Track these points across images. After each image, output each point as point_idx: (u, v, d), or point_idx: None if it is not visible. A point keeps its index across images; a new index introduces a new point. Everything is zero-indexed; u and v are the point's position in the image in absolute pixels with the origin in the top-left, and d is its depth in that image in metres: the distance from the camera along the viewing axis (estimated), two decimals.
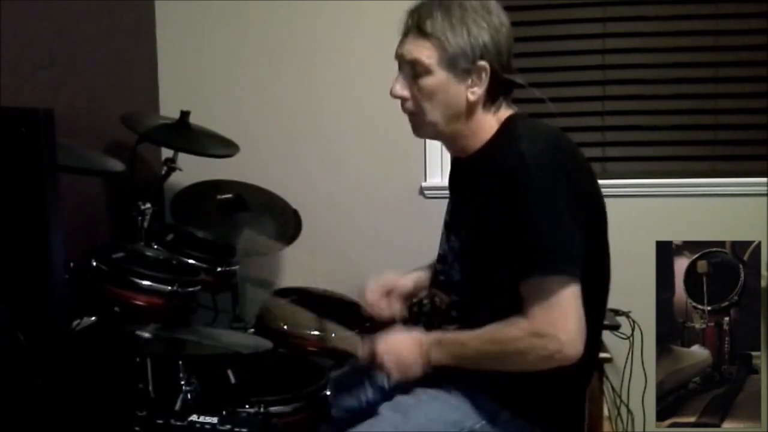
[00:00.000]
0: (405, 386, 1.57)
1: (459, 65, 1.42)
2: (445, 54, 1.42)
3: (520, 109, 1.53)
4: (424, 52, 1.43)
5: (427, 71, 1.43)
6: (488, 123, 1.48)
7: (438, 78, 1.43)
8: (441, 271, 1.59)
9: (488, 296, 1.43)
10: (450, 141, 1.54)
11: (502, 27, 1.43)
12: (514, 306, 1.36)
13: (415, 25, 1.44)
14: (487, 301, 1.43)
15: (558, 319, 1.31)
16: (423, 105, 1.47)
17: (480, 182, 1.46)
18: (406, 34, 1.47)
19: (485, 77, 1.43)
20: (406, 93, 1.48)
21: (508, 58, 1.45)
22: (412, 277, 1.72)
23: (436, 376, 1.49)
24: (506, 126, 1.47)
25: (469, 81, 1.44)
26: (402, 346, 1.46)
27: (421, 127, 1.52)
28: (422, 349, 1.44)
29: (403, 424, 1.45)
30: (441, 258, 1.60)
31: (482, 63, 1.42)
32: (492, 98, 1.47)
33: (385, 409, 1.52)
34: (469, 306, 1.50)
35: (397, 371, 1.46)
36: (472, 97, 1.44)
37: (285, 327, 1.89)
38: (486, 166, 1.46)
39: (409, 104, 1.49)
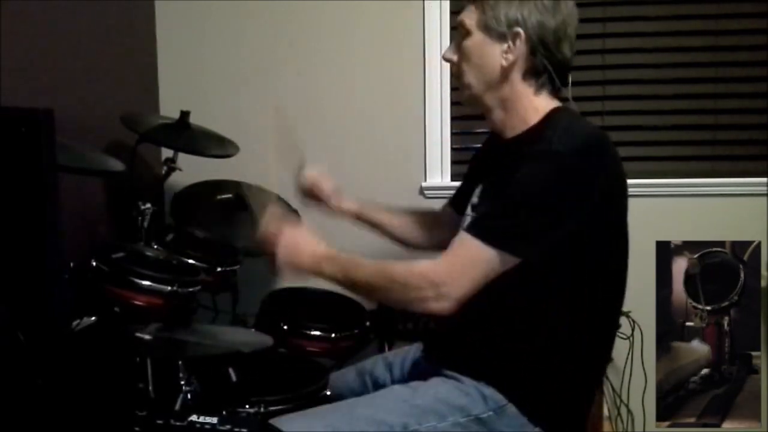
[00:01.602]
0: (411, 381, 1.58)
1: (494, 28, 1.45)
2: (483, 16, 1.46)
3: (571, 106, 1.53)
4: (470, 15, 1.49)
5: (468, 33, 1.48)
6: (532, 106, 1.48)
7: (475, 39, 1.47)
8: None
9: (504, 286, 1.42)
10: (489, 112, 1.53)
11: (558, 14, 1.43)
12: (510, 292, 1.39)
13: None
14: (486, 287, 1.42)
15: (453, 274, 1.36)
16: (462, 67, 1.51)
17: (505, 166, 1.45)
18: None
19: (520, 45, 1.44)
20: (452, 56, 1.53)
21: (557, 43, 1.44)
22: (357, 200, 1.85)
23: (445, 367, 1.50)
24: (551, 116, 1.47)
25: (505, 46, 1.45)
26: (301, 240, 1.51)
27: (462, 91, 1.55)
28: (315, 255, 1.49)
29: (412, 398, 1.46)
30: None
31: (517, 29, 1.43)
32: (533, 75, 1.47)
33: (397, 385, 1.54)
34: (488, 298, 1.48)
35: (285, 262, 1.50)
36: (505, 63, 1.45)
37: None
38: (519, 151, 1.45)
39: (454, 67, 1.54)
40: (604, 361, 1.61)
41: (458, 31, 1.52)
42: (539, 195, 1.35)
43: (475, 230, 1.37)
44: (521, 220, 1.35)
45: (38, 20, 2.00)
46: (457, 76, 1.55)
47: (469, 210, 1.58)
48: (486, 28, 1.45)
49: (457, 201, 1.76)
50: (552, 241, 1.36)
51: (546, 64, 1.45)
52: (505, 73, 1.46)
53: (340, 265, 1.47)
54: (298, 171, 1.81)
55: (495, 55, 1.46)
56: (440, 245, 1.75)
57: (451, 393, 1.47)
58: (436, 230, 1.82)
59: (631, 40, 2.63)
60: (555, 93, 1.50)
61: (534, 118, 1.47)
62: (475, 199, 1.57)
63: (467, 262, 1.36)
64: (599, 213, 1.40)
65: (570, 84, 1.50)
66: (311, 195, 1.86)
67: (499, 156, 1.54)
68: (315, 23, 2.65)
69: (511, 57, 1.45)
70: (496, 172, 1.52)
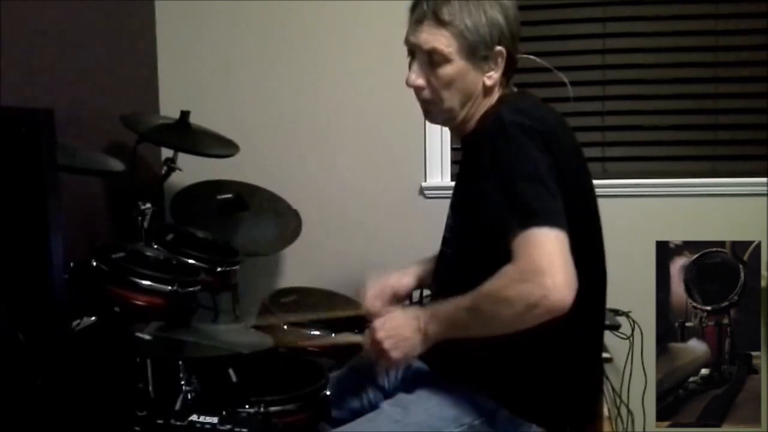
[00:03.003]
0: (406, 386, 1.57)
1: (479, 53, 1.42)
2: (465, 42, 1.41)
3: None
4: (443, 41, 1.42)
5: (446, 60, 1.43)
6: (488, 102, 1.49)
7: (457, 66, 1.43)
8: (442, 253, 1.60)
9: (477, 272, 1.37)
10: (460, 124, 1.53)
11: (512, 8, 1.44)
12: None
13: (431, 12, 1.42)
14: (479, 277, 1.38)
15: (543, 264, 1.24)
16: (441, 93, 1.47)
17: (470, 156, 1.47)
18: (419, 22, 1.44)
19: (501, 62, 1.44)
20: (422, 82, 1.47)
21: (517, 39, 1.46)
22: (412, 272, 1.72)
23: (437, 372, 1.50)
24: (499, 102, 1.48)
25: (486, 67, 1.44)
26: (399, 326, 1.43)
27: (437, 114, 1.52)
28: (419, 323, 1.41)
29: (404, 417, 1.46)
30: (444, 240, 1.60)
31: (499, 48, 1.43)
32: (507, 80, 1.49)
33: (385, 404, 1.52)
34: (462, 283, 1.45)
35: (398, 351, 1.42)
36: (489, 82, 1.46)
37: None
38: (472, 138, 1.47)
39: (426, 93, 1.49)
40: (594, 354, 1.60)
41: (423, 55, 1.45)
42: (529, 162, 1.31)
43: (521, 224, 1.27)
44: (538, 191, 1.29)
45: (38, 20, 2.00)
46: (429, 101, 1.49)
47: (449, 211, 1.58)
48: (470, 55, 1.42)
49: None
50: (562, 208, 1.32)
51: (515, 61, 1.47)
52: (487, 92, 1.47)
53: (442, 320, 1.39)
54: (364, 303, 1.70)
55: (478, 77, 1.46)
56: None
57: (442, 405, 1.47)
58: None
59: (631, 40, 2.63)
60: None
61: (484, 109, 1.49)
62: (452, 198, 1.59)
63: (543, 250, 1.25)
64: (563, 182, 1.35)
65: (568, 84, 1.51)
66: (394, 301, 1.73)
67: (462, 154, 1.56)
68: (315, 23, 2.65)
69: (494, 75, 1.45)
70: (465, 166, 1.53)
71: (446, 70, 1.43)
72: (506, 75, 1.49)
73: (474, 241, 1.45)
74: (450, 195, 1.82)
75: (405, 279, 1.71)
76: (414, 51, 1.47)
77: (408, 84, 1.49)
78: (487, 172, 1.35)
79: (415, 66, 1.47)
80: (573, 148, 1.47)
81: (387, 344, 1.42)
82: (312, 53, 2.67)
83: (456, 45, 1.41)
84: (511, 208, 1.29)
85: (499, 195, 1.32)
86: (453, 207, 1.58)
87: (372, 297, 1.65)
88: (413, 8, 1.47)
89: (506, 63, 1.45)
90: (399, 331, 1.43)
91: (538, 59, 1.51)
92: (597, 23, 2.63)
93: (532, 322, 1.27)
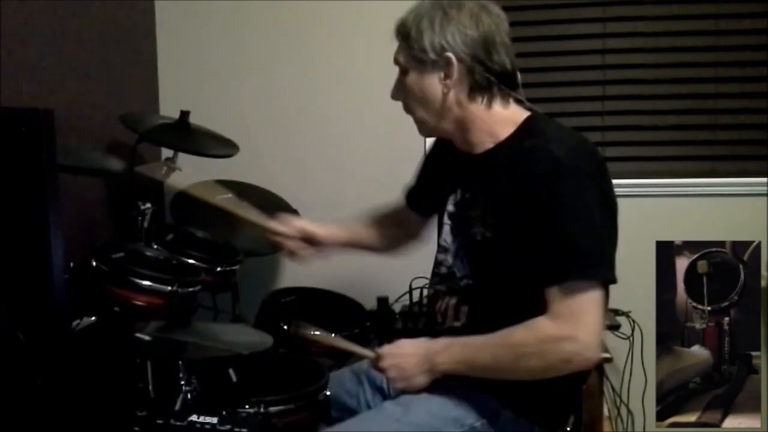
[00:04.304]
0: None
1: (424, 60, 1.45)
2: (411, 51, 1.46)
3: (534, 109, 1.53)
4: (401, 52, 1.49)
5: (404, 71, 1.50)
6: (497, 119, 1.47)
7: (411, 75, 1.48)
8: (441, 261, 1.59)
9: (502, 297, 1.43)
10: (454, 136, 1.53)
11: (481, 26, 1.43)
12: (529, 309, 1.35)
13: (403, 29, 1.49)
14: (501, 303, 1.43)
15: (583, 322, 1.31)
16: (410, 104, 1.53)
17: (500, 181, 1.43)
18: (396, 38, 1.52)
19: (455, 69, 1.43)
20: (397, 95, 1.54)
21: (489, 55, 1.43)
22: (331, 227, 1.79)
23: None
24: (527, 125, 1.46)
25: (441, 74, 1.45)
26: (405, 360, 1.47)
27: (419, 126, 1.56)
28: (428, 365, 1.45)
29: (404, 417, 1.46)
30: (443, 248, 1.59)
31: (448, 55, 1.43)
32: (479, 90, 1.46)
33: (387, 403, 1.53)
34: (479, 305, 1.49)
35: (401, 384, 1.48)
36: (446, 90, 1.46)
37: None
38: (508, 165, 1.43)
39: (404, 105, 1.55)
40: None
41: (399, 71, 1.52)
42: (589, 209, 1.34)
43: (576, 274, 1.32)
44: (597, 243, 1.34)
45: (38, 20, 2.00)
46: (408, 113, 1.55)
47: (446, 219, 1.58)
48: (418, 62, 1.46)
49: (415, 200, 1.81)
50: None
51: (488, 77, 1.45)
52: (450, 99, 1.47)
53: (457, 356, 1.43)
54: (273, 227, 1.75)
55: (434, 85, 1.47)
56: (397, 245, 1.84)
57: (443, 406, 1.47)
58: (393, 230, 1.84)
59: (631, 40, 2.62)
60: (519, 101, 1.50)
61: (505, 130, 1.47)
62: (451, 208, 1.57)
63: (587, 305, 1.32)
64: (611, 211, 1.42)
65: (520, 86, 1.50)
66: (306, 242, 1.77)
67: (473, 168, 1.52)
68: (315, 23, 2.65)
69: (450, 83, 1.45)
70: (470, 186, 1.52)
71: (407, 80, 1.50)
72: (480, 87, 1.46)
73: (504, 267, 1.43)
74: None
75: (321, 229, 1.77)
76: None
77: (391, 98, 1.56)
78: (538, 210, 1.35)
79: (396, 81, 1.54)
80: (609, 174, 1.46)
81: (390, 374, 1.48)
82: (312, 53, 2.67)
83: (406, 54, 1.48)
84: (568, 255, 1.33)
85: (556, 238, 1.34)
86: (463, 223, 1.53)
87: (282, 222, 1.74)
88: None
89: (472, 74, 1.43)
90: (403, 366, 1.47)
91: (495, 81, 1.48)
92: (597, 23, 2.62)
93: (558, 373, 1.36)
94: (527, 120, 1.47)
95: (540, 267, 1.35)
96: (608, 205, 1.38)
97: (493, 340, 1.38)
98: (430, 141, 1.91)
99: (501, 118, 1.47)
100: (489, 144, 1.48)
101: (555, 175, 1.34)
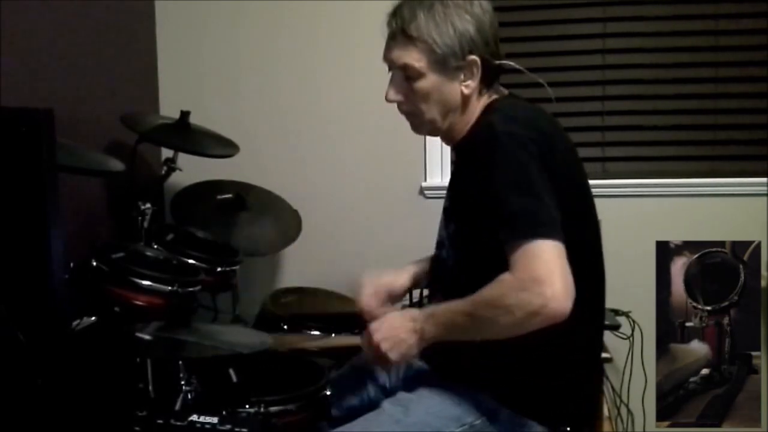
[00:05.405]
0: (407, 385, 1.57)
1: (450, 65, 1.43)
2: (434, 56, 1.43)
3: (518, 94, 1.55)
4: (413, 56, 1.44)
5: (419, 75, 1.45)
6: (476, 107, 1.50)
7: (431, 80, 1.45)
8: (437, 256, 1.60)
9: (478, 278, 1.38)
10: (446, 133, 1.55)
11: (485, 14, 1.44)
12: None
13: (400, 29, 1.44)
14: (477, 283, 1.38)
15: (542, 274, 1.26)
16: (419, 106, 1.49)
17: (463, 164, 1.48)
18: (392, 38, 1.47)
19: (477, 71, 1.44)
20: (400, 97, 1.50)
21: (495, 44, 1.46)
22: (408, 272, 1.72)
23: (438, 372, 1.50)
24: (488, 108, 1.48)
25: (462, 76, 1.45)
26: (396, 328, 1.44)
27: (421, 126, 1.55)
28: (416, 325, 1.41)
29: (404, 417, 1.46)
30: (439, 244, 1.60)
31: (472, 57, 1.43)
32: (487, 86, 1.49)
33: (386, 403, 1.52)
34: (460, 289, 1.46)
35: (396, 353, 1.43)
36: (466, 91, 1.46)
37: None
38: (464, 147, 1.48)
39: (406, 106, 1.51)
40: (594, 354, 1.60)
41: (397, 71, 1.48)
42: (524, 171, 1.32)
43: (519, 235, 1.29)
44: (533, 202, 1.31)
45: (38, 20, 2.00)
46: (410, 113, 1.52)
47: (442, 215, 1.58)
48: (442, 68, 1.43)
49: None
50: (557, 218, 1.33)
51: (498, 67, 1.47)
52: (467, 100, 1.48)
53: (439, 322, 1.39)
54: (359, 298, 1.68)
55: (455, 88, 1.46)
56: None
57: (443, 404, 1.47)
58: None
59: (631, 40, 2.63)
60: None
61: (475, 116, 1.49)
62: (446, 203, 1.58)
63: (541, 260, 1.27)
64: (561, 187, 1.36)
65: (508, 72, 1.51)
66: (390, 300, 1.72)
67: (457, 159, 1.56)
68: (315, 23, 2.65)
69: (471, 84, 1.46)
70: (452, 176, 1.55)
71: (421, 84, 1.46)
72: (488, 80, 1.48)
73: (471, 248, 1.46)
74: None
75: (400, 279, 1.71)
76: (391, 67, 1.50)
77: (387, 100, 1.51)
78: (481, 183, 1.35)
79: (392, 82, 1.50)
80: (568, 150, 1.48)
81: (384, 346, 1.43)
82: (312, 53, 2.67)
83: (426, 60, 1.43)
84: (507, 221, 1.31)
85: (495, 207, 1.33)
86: (447, 213, 1.58)
87: (368, 296, 1.65)
88: (387, 25, 1.49)
89: (485, 69, 1.45)
90: (395, 333, 1.43)
91: (512, 63, 1.50)
92: (597, 23, 2.63)
93: (530, 329, 1.29)
94: (491, 102, 1.49)
95: (493, 236, 1.33)
96: (549, 171, 1.34)
97: (467, 300, 1.35)
98: (430, 141, 1.96)
99: (480, 105, 1.50)
100: (465, 131, 1.51)
101: (489, 142, 1.35)
